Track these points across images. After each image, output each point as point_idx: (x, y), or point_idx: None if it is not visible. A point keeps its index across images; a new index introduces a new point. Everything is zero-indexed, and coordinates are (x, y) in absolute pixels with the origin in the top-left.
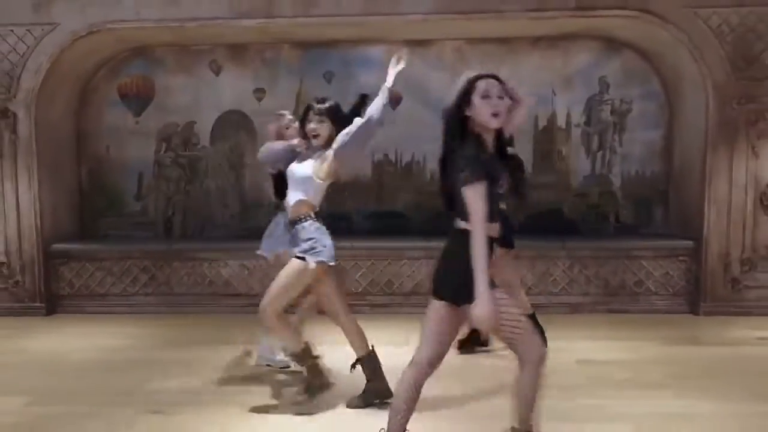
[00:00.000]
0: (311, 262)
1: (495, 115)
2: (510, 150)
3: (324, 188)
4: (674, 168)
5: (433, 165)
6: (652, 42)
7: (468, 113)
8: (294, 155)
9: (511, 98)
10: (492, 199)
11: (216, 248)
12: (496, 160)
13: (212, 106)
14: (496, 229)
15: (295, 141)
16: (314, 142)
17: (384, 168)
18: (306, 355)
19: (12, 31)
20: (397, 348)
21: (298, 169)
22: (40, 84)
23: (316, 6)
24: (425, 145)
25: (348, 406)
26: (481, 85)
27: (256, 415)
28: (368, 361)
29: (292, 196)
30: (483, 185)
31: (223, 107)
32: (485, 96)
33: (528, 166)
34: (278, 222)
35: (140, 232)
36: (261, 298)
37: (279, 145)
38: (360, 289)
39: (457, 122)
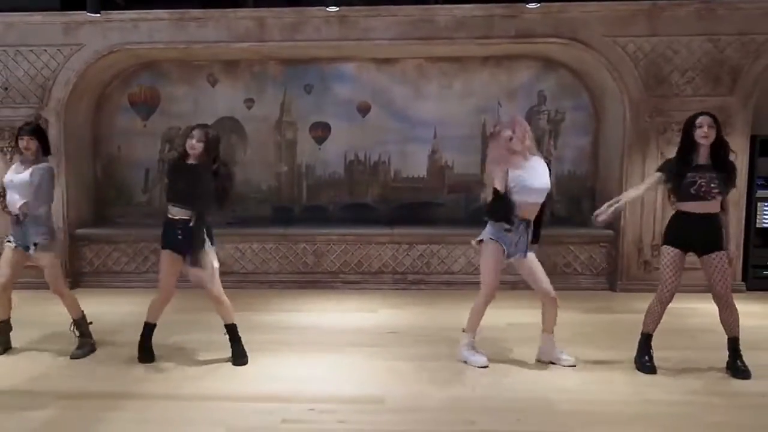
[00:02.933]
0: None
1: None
2: None
3: None
4: (599, 169)
5: (396, 164)
6: (581, 63)
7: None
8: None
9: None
10: None
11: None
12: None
13: (209, 113)
14: None
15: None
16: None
17: (355, 167)
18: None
19: (45, 50)
20: (366, 314)
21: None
22: (68, 95)
23: (300, 32)
24: (390, 147)
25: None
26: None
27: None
28: (80, 323)
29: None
30: None
31: (218, 114)
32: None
33: (476, 167)
34: None
35: (146, 220)
36: (251, 276)
37: None
38: (334, 269)
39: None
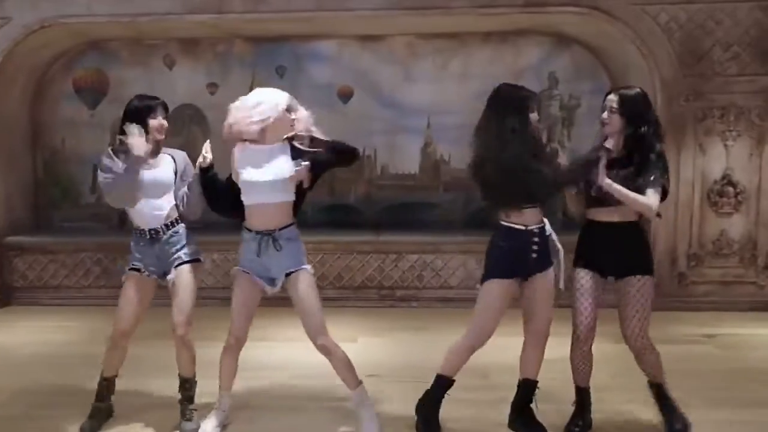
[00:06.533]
0: None
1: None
2: None
3: None
4: None
5: (384, 159)
6: (601, 38)
7: None
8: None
9: None
10: None
11: None
12: None
13: (165, 100)
14: None
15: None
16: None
17: None
18: None
19: None
20: (342, 344)
21: None
22: None
23: (265, 2)
24: (376, 139)
25: None
26: None
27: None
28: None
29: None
30: None
31: (176, 101)
32: None
33: None
34: None
35: (95, 224)
36: (213, 291)
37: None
38: None
39: None
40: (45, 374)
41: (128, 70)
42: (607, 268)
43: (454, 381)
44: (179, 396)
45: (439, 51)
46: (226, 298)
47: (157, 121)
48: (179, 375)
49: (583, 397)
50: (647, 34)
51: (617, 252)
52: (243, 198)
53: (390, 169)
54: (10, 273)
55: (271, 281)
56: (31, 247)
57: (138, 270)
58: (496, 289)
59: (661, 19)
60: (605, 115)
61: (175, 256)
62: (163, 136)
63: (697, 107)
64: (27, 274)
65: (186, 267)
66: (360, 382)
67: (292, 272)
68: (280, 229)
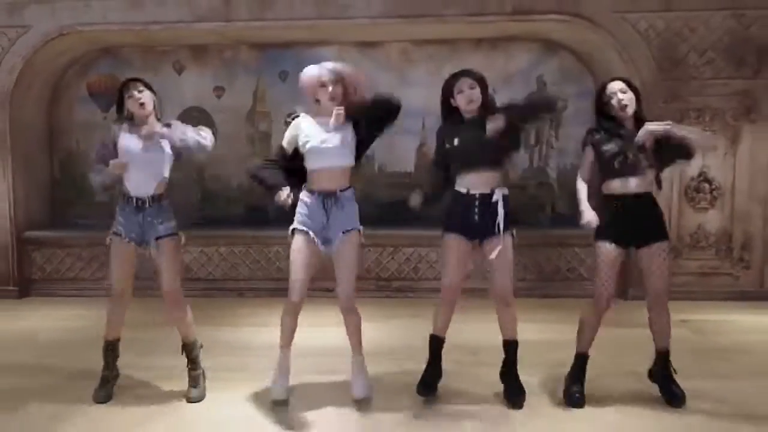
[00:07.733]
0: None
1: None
2: None
3: None
4: None
5: (381, 158)
6: (585, 44)
7: None
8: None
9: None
10: None
11: None
12: None
13: (175, 103)
14: None
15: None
16: None
17: None
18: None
19: None
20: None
21: None
22: (14, 82)
23: (270, 10)
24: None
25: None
26: None
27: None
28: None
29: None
30: None
31: (184, 104)
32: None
33: None
34: None
35: (108, 221)
36: (219, 283)
37: None
38: None
39: None
40: (64, 354)
41: (140, 75)
42: (631, 239)
43: (443, 339)
44: (186, 362)
45: (432, 57)
46: (234, 290)
47: (136, 96)
48: (182, 341)
49: (581, 362)
50: (627, 40)
51: (641, 222)
52: (308, 164)
53: (387, 168)
54: (29, 266)
55: (326, 241)
56: (49, 241)
57: (119, 235)
58: (447, 242)
59: (641, 27)
60: (624, 97)
61: (156, 228)
62: (144, 107)
63: (674, 109)
64: (45, 267)
65: (167, 239)
66: (362, 349)
67: (348, 231)
68: (342, 191)
